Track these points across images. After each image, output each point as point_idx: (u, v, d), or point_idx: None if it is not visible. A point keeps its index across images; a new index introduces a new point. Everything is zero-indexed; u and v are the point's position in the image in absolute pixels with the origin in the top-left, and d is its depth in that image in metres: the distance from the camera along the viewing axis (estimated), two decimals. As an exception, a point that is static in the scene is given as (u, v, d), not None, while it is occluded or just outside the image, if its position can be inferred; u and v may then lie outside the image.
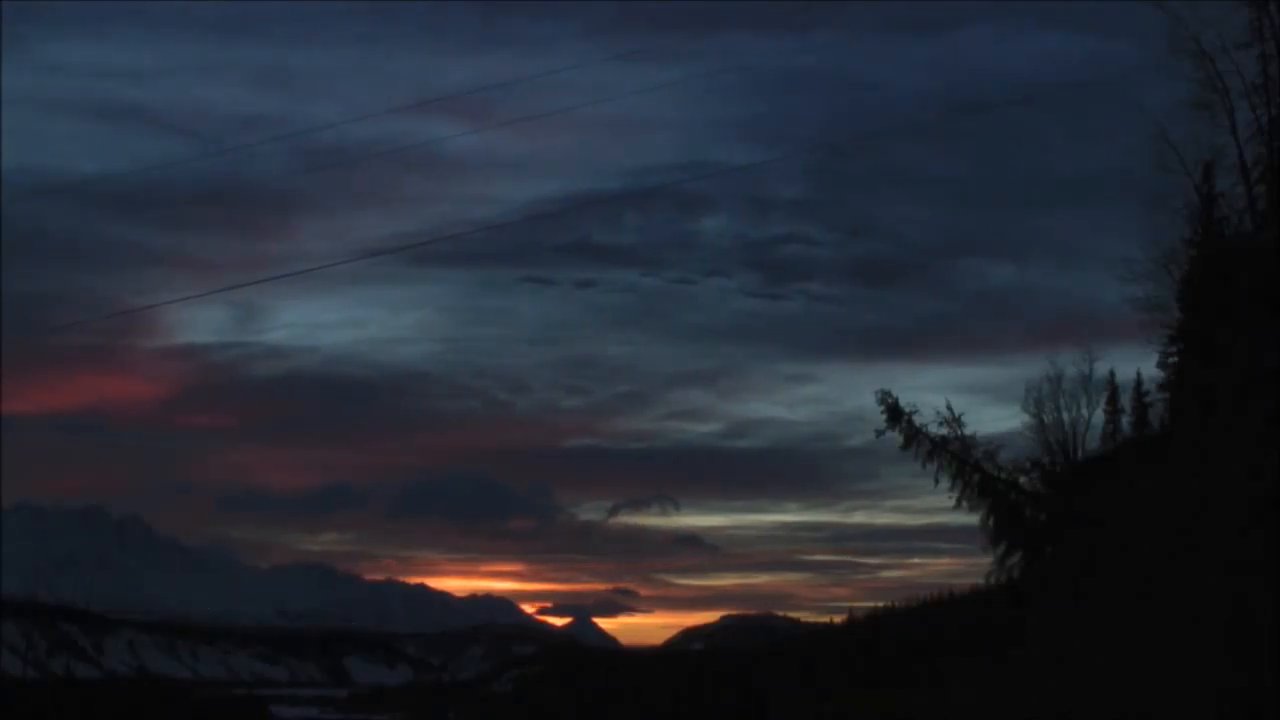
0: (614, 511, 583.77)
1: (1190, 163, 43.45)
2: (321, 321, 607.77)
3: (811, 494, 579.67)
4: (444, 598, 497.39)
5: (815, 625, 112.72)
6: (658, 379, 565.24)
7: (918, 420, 50.78)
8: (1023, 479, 50.80)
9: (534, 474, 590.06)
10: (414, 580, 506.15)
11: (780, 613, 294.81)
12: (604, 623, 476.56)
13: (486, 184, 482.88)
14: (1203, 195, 43.86)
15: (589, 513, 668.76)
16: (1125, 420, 54.00)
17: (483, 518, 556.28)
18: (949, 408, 50.81)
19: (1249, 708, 26.63)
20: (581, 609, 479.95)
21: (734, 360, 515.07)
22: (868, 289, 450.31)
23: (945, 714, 41.20)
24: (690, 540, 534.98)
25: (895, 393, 51.42)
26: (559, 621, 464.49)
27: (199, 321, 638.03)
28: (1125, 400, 53.92)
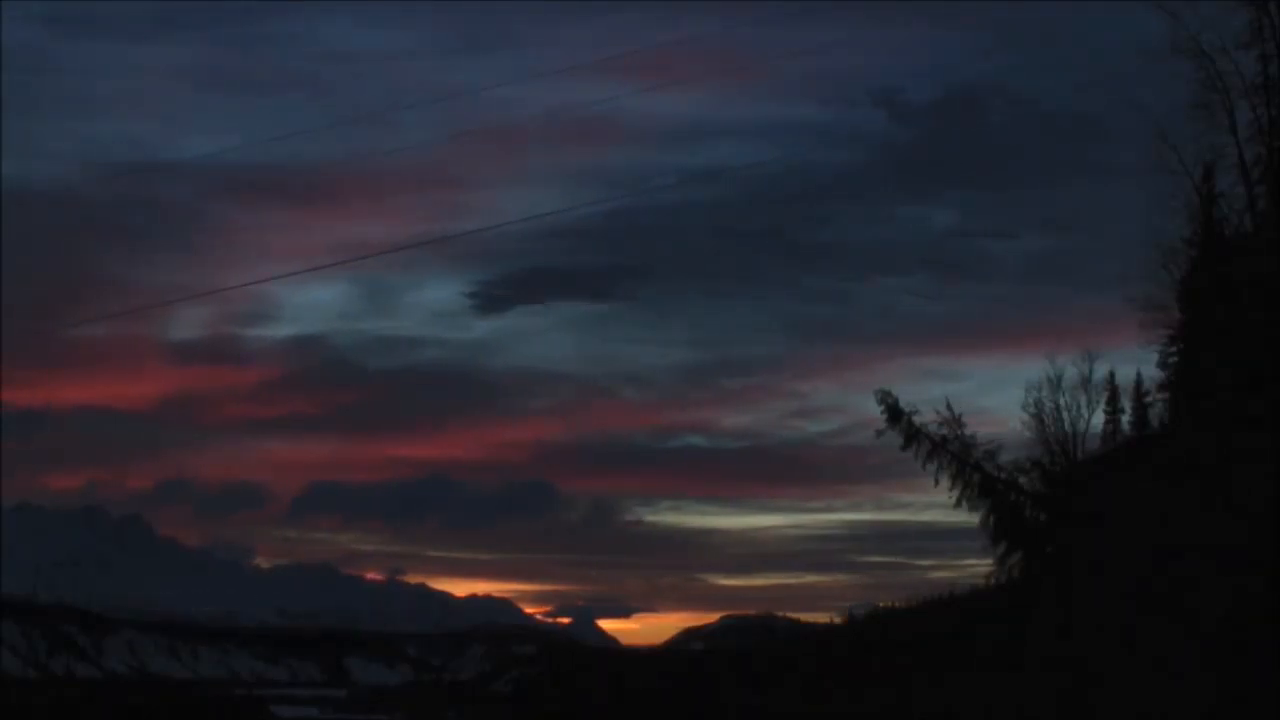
0: (660, 511, 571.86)
1: (1190, 163, 43.46)
2: (458, 309, 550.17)
3: (890, 491, 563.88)
4: (444, 597, 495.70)
5: (816, 625, 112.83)
6: (788, 378, 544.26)
7: (918, 420, 50.75)
8: (1023, 479, 50.76)
9: (609, 474, 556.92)
10: (415, 580, 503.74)
11: (781, 613, 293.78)
12: (605, 623, 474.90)
13: (662, 152, 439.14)
14: (1203, 195, 43.83)
15: (652, 513, 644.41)
16: (1125, 420, 54.03)
17: (510, 520, 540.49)
18: (949, 407, 50.80)
19: (1249, 708, 26.64)
20: (582, 609, 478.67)
21: (875, 359, 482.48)
22: (1038, 285, 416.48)
23: (943, 714, 41.26)
24: (717, 540, 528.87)
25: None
26: (560, 621, 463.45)
27: (322, 307, 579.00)
28: (1125, 400, 53.96)
